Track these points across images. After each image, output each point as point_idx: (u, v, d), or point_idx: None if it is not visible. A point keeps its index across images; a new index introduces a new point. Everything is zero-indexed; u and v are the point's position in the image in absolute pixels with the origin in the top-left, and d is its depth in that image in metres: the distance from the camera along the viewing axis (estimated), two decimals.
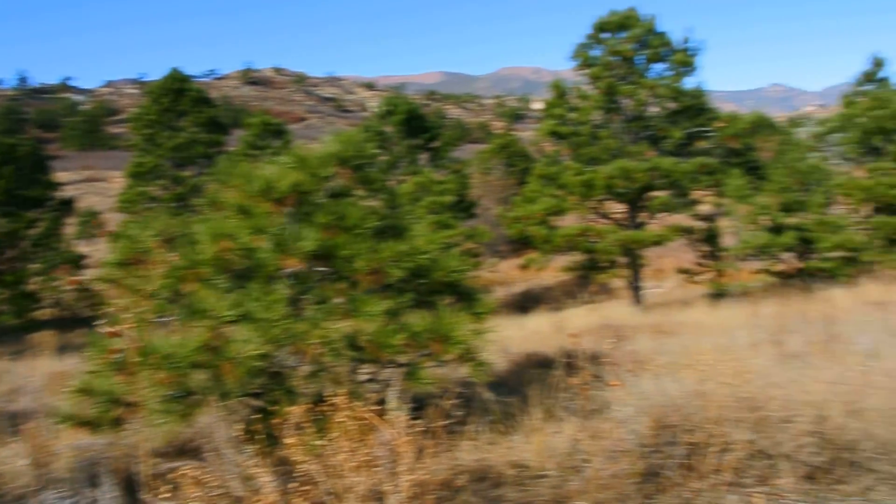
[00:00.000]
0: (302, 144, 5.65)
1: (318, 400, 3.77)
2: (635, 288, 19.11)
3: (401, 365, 4.92)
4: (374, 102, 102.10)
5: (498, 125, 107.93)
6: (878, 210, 19.19)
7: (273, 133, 25.15)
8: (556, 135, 19.01)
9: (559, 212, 18.58)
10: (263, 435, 3.67)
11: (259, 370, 4.43)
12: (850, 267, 18.54)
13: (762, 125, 59.61)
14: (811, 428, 3.95)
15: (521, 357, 8.26)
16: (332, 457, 3.27)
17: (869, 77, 20.95)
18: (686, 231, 18.84)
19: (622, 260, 18.96)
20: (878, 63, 20.88)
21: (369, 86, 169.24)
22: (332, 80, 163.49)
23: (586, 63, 18.76)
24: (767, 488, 3.69)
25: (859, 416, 4.13)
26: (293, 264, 4.64)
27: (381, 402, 3.68)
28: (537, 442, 4.23)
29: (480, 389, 5.14)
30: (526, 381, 5.06)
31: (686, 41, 18.50)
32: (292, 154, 4.98)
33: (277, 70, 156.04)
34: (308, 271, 4.85)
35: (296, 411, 3.47)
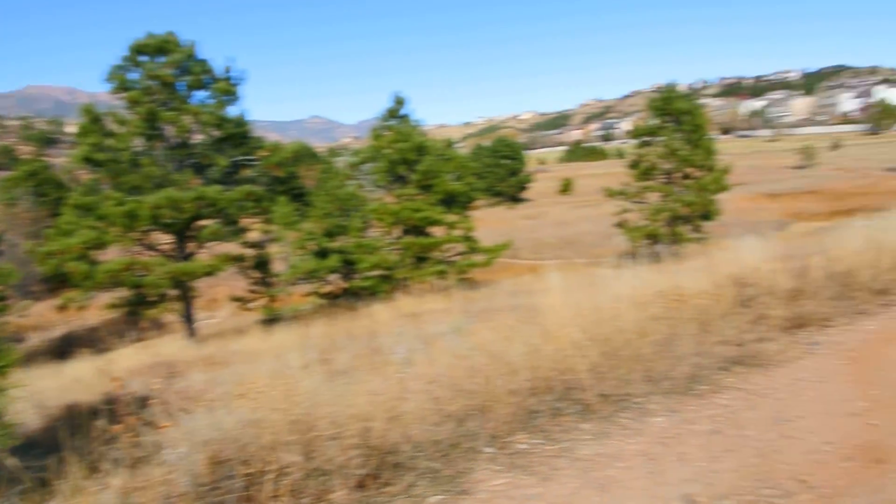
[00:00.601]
0: None
1: None
2: (188, 321, 18.59)
3: None
4: None
5: (25, 149, 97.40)
6: (405, 231, 21.54)
7: None
8: (92, 162, 17.56)
9: (100, 245, 17.18)
10: None
11: None
12: (386, 284, 20.51)
13: (305, 154, 63.08)
14: (358, 439, 4.18)
15: (59, 410, 7.37)
16: None
17: (392, 113, 23.38)
18: (237, 259, 18.90)
19: (173, 293, 18.29)
20: (400, 101, 23.42)
21: None
22: None
23: (123, 86, 17.74)
24: None
25: (398, 420, 4.49)
26: None
27: None
28: (80, 503, 3.78)
29: (5, 456, 4.43)
30: (64, 437, 4.49)
31: (228, 70, 18.65)
32: None
33: None
34: None
35: None
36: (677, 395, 5.26)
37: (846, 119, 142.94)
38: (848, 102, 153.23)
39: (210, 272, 17.62)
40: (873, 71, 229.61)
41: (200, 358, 10.98)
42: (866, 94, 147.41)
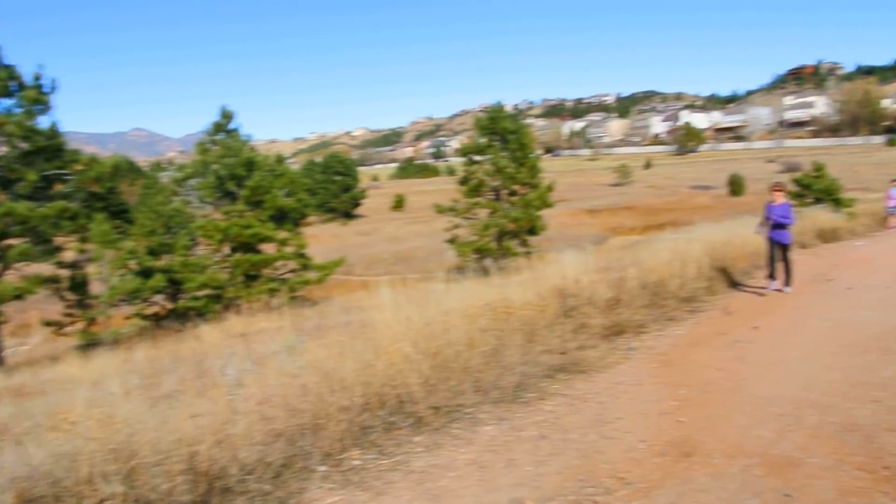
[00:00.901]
0: None
1: None
2: None
3: None
4: None
5: None
6: (234, 249, 20.92)
7: None
8: None
9: None
10: None
11: None
12: (216, 303, 19.82)
13: (125, 169, 59.85)
14: (184, 465, 4.03)
15: None
16: None
17: (220, 127, 22.65)
18: (50, 280, 17.66)
19: None
20: (227, 115, 22.74)
21: None
22: None
23: None
24: None
25: (226, 443, 4.37)
26: None
27: None
28: None
29: None
30: None
31: (38, 77, 17.42)
32: None
33: None
34: None
35: None
36: (506, 403, 5.48)
37: (657, 140, 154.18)
38: (658, 125, 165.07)
39: (19, 295, 16.35)
40: (679, 97, 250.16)
41: (8, 389, 10.11)
42: (673, 117, 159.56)
